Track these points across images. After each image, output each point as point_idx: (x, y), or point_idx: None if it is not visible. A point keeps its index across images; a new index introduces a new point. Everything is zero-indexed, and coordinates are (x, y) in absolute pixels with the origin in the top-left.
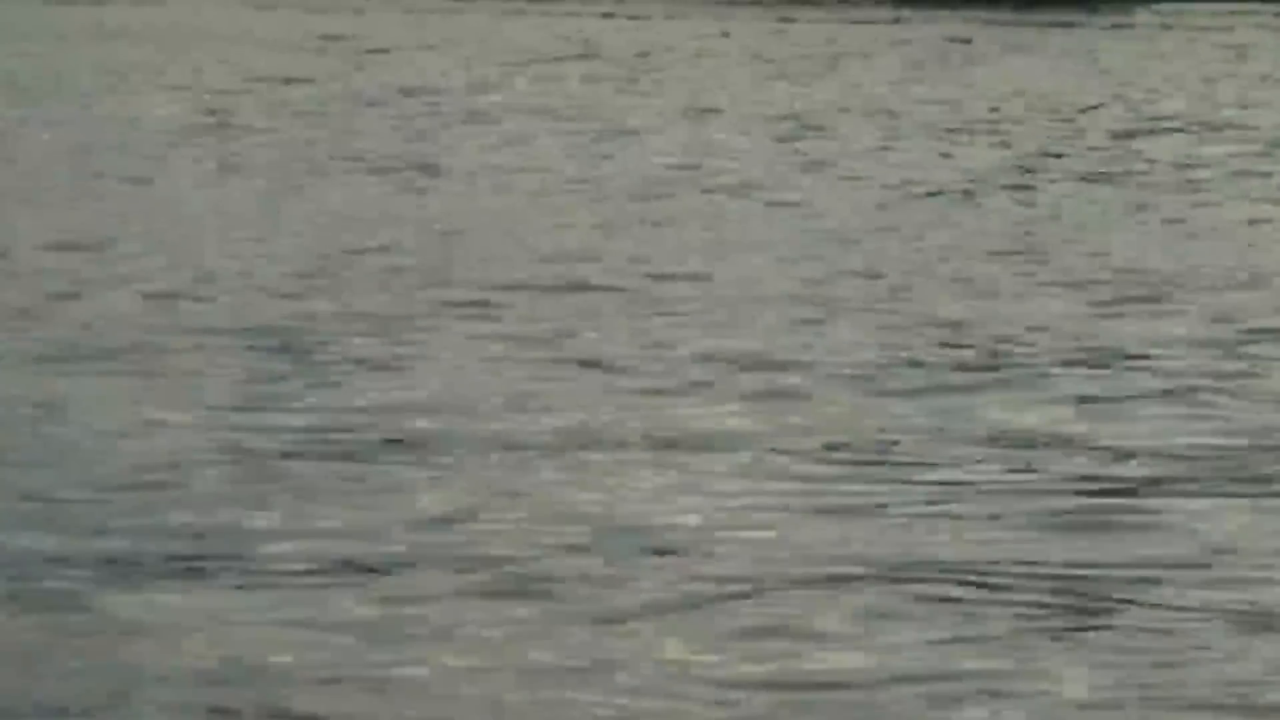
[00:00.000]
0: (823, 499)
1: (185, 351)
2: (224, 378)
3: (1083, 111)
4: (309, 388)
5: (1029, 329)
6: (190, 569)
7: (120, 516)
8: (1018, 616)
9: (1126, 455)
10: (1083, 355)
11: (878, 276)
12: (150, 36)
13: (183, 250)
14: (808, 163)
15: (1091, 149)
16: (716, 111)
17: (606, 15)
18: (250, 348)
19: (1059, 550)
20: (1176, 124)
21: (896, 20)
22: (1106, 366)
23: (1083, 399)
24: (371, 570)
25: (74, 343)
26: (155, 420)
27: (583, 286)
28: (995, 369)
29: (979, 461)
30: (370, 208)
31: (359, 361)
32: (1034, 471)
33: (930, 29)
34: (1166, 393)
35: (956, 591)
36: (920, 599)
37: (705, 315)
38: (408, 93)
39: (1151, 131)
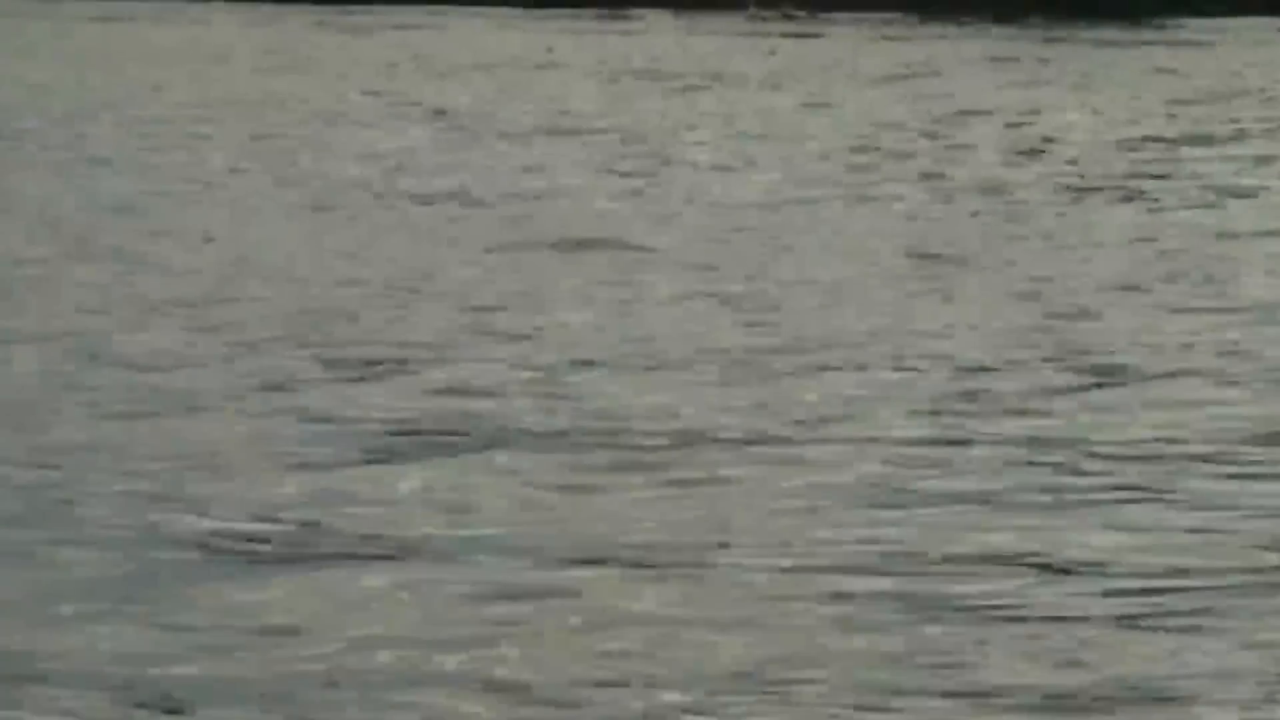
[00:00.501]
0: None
1: (218, 361)
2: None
3: (1127, 126)
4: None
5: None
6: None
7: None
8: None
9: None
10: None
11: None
12: (148, 55)
13: (210, 266)
14: (862, 183)
15: (1143, 164)
16: (762, 137)
17: (627, 34)
18: (288, 359)
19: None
20: (1229, 137)
21: (940, 37)
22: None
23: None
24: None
25: (103, 353)
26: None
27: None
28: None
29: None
30: (403, 232)
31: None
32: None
33: (972, 46)
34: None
35: None
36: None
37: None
38: (437, 112)
39: (1197, 144)
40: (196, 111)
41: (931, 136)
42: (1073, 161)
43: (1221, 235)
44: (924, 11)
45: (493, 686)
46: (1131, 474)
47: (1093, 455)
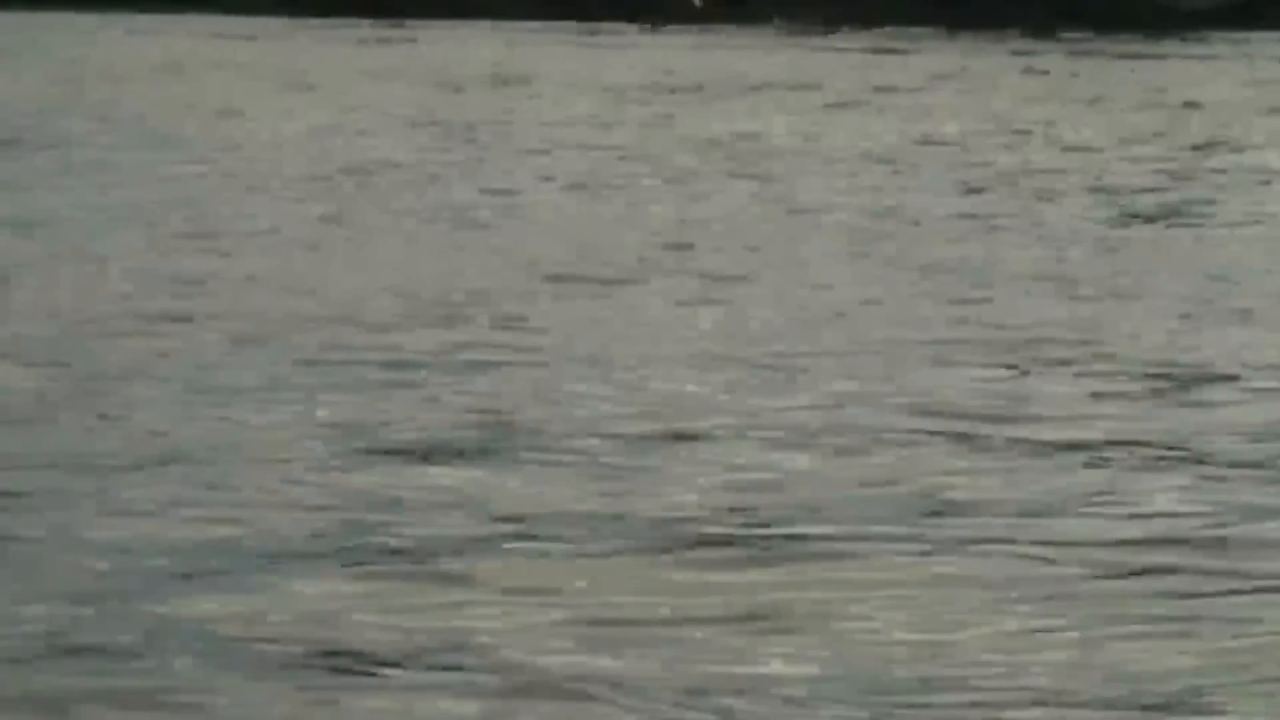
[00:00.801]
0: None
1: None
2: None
3: (1152, 139)
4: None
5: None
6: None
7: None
8: None
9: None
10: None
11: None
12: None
13: (220, 276)
14: (883, 193)
15: (1163, 173)
16: (779, 149)
17: (649, 48)
18: (299, 367)
19: None
20: (1255, 148)
21: (967, 50)
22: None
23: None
24: None
25: (111, 361)
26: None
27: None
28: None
29: None
30: (416, 244)
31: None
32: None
33: (999, 59)
34: None
35: None
36: None
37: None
38: (450, 124)
39: (1219, 154)
40: (207, 121)
41: (958, 147)
42: (1095, 173)
43: (1242, 245)
44: (952, 25)
45: (526, 675)
46: (1156, 480)
47: (1111, 460)
